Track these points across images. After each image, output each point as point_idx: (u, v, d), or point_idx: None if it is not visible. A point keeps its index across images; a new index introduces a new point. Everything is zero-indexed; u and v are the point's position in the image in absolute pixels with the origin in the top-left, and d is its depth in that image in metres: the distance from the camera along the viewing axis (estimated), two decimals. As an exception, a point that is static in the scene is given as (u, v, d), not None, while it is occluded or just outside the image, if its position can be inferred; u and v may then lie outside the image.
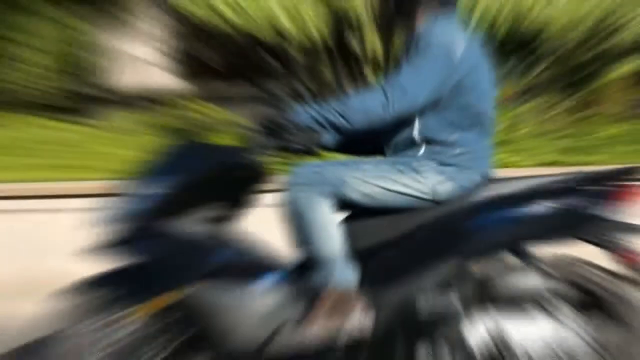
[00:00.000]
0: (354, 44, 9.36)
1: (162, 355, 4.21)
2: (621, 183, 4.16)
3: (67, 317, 4.20)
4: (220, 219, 4.20)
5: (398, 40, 9.07)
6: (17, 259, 7.29)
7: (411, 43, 4.13)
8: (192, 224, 4.16)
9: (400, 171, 4.08)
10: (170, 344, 4.21)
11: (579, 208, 4.07)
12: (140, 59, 10.27)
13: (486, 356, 4.07)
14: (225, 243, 4.19)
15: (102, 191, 7.08)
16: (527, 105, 8.96)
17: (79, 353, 4.21)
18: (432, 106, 4.06)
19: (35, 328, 4.24)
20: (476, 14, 8.99)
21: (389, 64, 9.23)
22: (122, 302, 4.22)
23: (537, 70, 9.21)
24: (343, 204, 4.11)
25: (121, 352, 4.17)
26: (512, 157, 7.46)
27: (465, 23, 4.26)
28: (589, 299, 4.19)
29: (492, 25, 9.02)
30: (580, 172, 4.22)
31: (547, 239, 4.13)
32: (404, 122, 4.08)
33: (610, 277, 4.16)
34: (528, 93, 9.24)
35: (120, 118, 9.24)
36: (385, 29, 9.35)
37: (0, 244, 7.28)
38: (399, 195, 4.08)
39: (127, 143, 8.54)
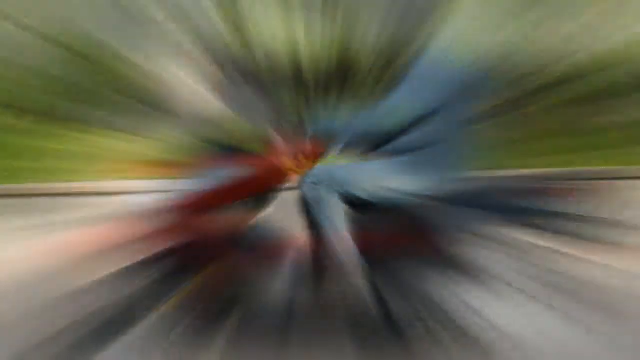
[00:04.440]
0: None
1: (213, 308, 4.00)
2: (561, 184, 4.02)
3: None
4: (253, 209, 4.03)
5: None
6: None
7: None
8: (233, 211, 3.99)
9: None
10: (217, 300, 4.01)
11: (526, 202, 3.93)
12: (193, 87, 10.20)
13: (453, 313, 3.84)
14: (257, 225, 4.01)
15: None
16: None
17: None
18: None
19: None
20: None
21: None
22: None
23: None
24: (345, 196, 3.94)
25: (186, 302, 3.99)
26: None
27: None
28: (532, 271, 4.00)
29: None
30: (528, 175, 4.09)
31: (504, 225, 3.92)
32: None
33: (553, 255, 3.96)
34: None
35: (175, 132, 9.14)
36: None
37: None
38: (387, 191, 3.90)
39: (182, 151, 8.40)
